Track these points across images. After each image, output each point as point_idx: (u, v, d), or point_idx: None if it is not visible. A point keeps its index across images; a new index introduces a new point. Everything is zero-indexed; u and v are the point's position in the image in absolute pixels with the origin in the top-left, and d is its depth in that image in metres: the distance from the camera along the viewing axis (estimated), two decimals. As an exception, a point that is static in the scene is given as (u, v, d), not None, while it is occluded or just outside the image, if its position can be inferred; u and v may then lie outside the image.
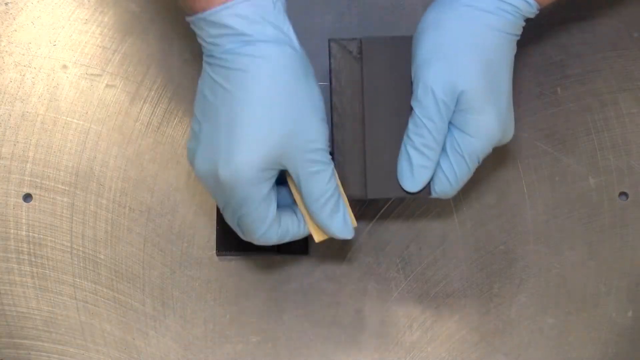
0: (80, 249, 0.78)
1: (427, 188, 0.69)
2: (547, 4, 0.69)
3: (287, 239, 0.67)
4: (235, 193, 0.64)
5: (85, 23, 0.82)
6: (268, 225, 0.65)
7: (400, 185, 0.69)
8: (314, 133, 0.64)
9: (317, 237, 0.68)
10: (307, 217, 0.67)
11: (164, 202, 0.79)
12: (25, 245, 0.78)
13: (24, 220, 0.78)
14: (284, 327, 0.77)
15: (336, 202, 0.66)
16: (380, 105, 0.70)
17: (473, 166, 0.68)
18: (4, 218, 0.78)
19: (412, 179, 0.68)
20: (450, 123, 0.68)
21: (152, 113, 0.80)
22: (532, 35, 0.81)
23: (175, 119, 0.80)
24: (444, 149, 0.68)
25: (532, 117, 0.80)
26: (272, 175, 0.64)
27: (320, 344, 0.77)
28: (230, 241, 0.76)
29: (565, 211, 0.79)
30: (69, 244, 0.78)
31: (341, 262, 0.78)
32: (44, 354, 0.76)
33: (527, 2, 0.67)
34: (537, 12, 0.69)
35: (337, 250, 0.78)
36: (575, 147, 0.80)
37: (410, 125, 0.68)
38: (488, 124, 0.67)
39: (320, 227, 0.67)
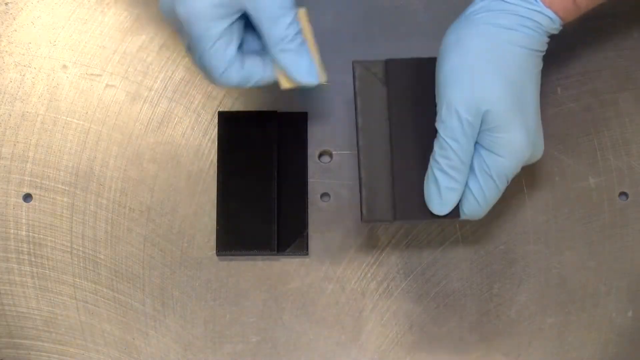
0: (80, 249, 0.78)
1: (456, 210, 0.68)
2: (571, 19, 0.69)
3: (251, 83, 0.67)
4: (192, 29, 0.64)
5: (85, 23, 0.82)
6: (227, 64, 0.65)
7: (427, 208, 0.68)
8: None
9: (283, 83, 0.68)
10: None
11: (164, 202, 0.79)
12: (25, 245, 0.78)
13: (24, 220, 0.78)
14: (284, 327, 0.77)
15: (298, 47, 0.66)
16: (407, 127, 0.69)
17: (502, 186, 0.68)
18: (4, 218, 0.78)
19: (440, 202, 0.67)
20: (477, 143, 0.67)
21: (152, 113, 0.80)
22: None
23: (175, 119, 0.80)
24: (472, 169, 0.67)
25: (532, 117, 0.80)
26: (230, 13, 0.65)
27: (320, 344, 0.77)
28: (230, 241, 0.76)
29: (565, 211, 0.79)
30: (69, 244, 0.78)
31: (341, 262, 0.78)
32: (44, 354, 0.76)
33: (549, 17, 0.67)
34: (561, 27, 0.69)
35: (337, 250, 0.78)
36: (575, 147, 0.80)
37: (436, 148, 0.67)
38: (516, 142, 0.66)
39: (284, 73, 0.67)
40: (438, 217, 0.68)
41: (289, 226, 0.77)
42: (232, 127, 0.78)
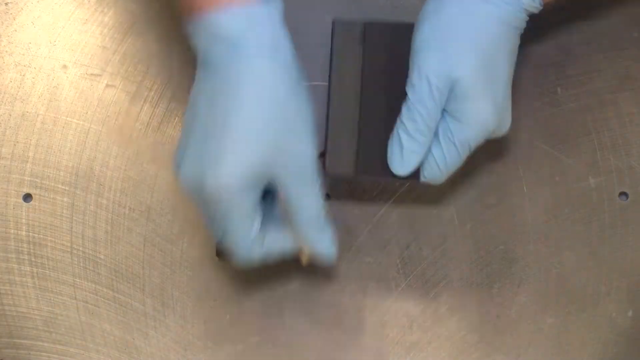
0: (80, 249, 0.78)
1: (417, 172, 0.69)
2: (551, 1, 0.69)
3: (270, 259, 0.67)
4: (221, 204, 0.63)
5: (85, 23, 0.82)
6: (251, 243, 0.65)
7: (389, 169, 0.69)
8: (303, 147, 0.64)
9: (304, 260, 0.69)
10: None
11: (164, 202, 0.79)
12: (25, 245, 0.78)
13: (24, 220, 0.78)
14: (284, 327, 0.77)
15: (324, 222, 0.67)
16: (378, 88, 0.70)
17: (464, 154, 0.69)
18: (4, 218, 0.78)
19: (401, 163, 0.69)
20: (444, 110, 0.68)
21: (152, 113, 0.80)
22: (532, 35, 0.81)
23: (175, 119, 0.80)
24: (436, 135, 0.68)
25: (532, 117, 0.80)
26: (259, 188, 0.64)
27: (320, 344, 0.77)
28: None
29: (565, 211, 0.79)
30: (69, 244, 0.78)
31: (341, 262, 0.78)
32: (44, 354, 0.76)
33: None
34: (541, 7, 0.69)
35: (337, 250, 0.78)
36: (575, 147, 0.80)
37: (404, 110, 0.68)
38: (482, 112, 0.67)
39: (307, 247, 0.67)
40: (399, 177, 0.70)
41: None
42: None
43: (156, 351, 0.76)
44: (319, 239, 0.67)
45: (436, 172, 0.69)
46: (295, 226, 0.66)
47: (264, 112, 0.63)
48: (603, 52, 0.81)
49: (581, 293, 0.78)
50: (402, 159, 0.69)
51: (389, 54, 0.71)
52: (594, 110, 0.81)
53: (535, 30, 0.81)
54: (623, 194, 0.79)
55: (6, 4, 0.82)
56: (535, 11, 0.69)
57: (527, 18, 0.69)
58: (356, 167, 0.70)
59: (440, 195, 0.79)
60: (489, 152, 0.80)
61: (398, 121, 0.69)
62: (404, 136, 0.68)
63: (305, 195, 0.65)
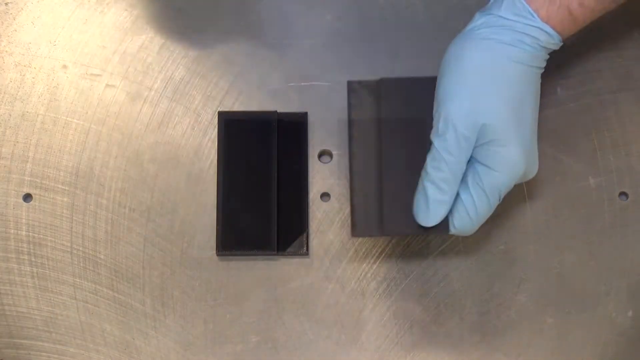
0: (80, 249, 0.78)
1: (445, 224, 0.69)
2: (569, 34, 0.69)
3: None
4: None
5: (85, 23, 0.82)
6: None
7: (416, 222, 0.69)
8: None
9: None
10: None
11: (164, 202, 0.79)
12: (25, 245, 0.78)
13: (24, 220, 0.78)
14: (284, 327, 0.77)
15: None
16: (397, 144, 0.71)
17: (494, 201, 0.69)
18: (4, 218, 0.78)
19: (427, 214, 0.68)
20: (472, 157, 0.68)
21: (152, 113, 0.80)
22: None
23: (175, 119, 0.80)
24: (465, 182, 0.68)
25: (532, 117, 0.80)
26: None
27: (320, 344, 0.77)
28: (230, 241, 0.76)
29: (565, 211, 0.79)
30: (69, 244, 0.78)
31: (341, 262, 0.78)
32: (44, 354, 0.76)
33: (547, 33, 0.68)
34: (561, 43, 0.69)
35: (337, 250, 0.78)
36: (575, 147, 0.80)
37: (429, 159, 0.68)
38: (511, 156, 0.67)
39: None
40: (426, 230, 0.70)
41: (289, 226, 0.77)
42: (232, 127, 0.78)
43: (156, 351, 0.76)
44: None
45: (467, 221, 0.69)
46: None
47: None
48: (603, 52, 0.81)
49: (581, 293, 0.78)
50: (427, 209, 0.68)
51: (405, 109, 0.71)
52: (594, 110, 0.81)
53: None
54: (623, 194, 0.79)
55: (6, 4, 0.82)
56: (555, 47, 0.69)
57: (548, 56, 0.69)
58: (382, 226, 0.70)
59: (440, 195, 0.79)
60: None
61: (423, 171, 0.68)
62: (429, 186, 0.68)
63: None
